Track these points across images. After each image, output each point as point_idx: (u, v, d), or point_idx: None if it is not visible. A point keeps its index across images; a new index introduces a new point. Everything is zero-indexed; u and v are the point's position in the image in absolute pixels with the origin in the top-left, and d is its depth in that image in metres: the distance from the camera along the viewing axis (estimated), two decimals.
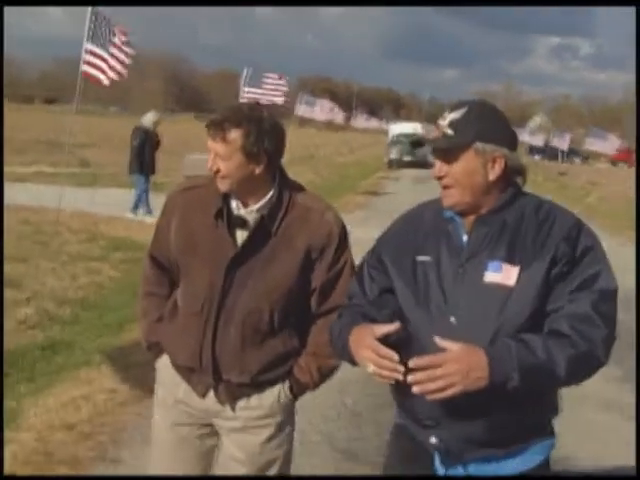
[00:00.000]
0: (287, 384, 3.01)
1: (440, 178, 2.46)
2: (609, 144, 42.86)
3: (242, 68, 22.56)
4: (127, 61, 11.51)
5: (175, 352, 2.99)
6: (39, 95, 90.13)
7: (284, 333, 2.96)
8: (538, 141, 56.35)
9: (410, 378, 2.22)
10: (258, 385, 2.96)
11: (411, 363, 2.22)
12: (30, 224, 11.45)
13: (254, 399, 2.97)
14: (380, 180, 30.39)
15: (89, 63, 11.45)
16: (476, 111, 2.43)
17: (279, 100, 23.48)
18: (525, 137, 51.27)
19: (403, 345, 2.36)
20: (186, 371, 2.97)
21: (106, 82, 11.27)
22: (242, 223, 2.88)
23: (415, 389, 2.23)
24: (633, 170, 38.74)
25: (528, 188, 2.58)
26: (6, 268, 8.14)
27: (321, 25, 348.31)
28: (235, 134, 2.76)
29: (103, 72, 11.22)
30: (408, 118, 77.22)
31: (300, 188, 3.00)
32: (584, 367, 2.35)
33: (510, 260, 2.38)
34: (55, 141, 29.85)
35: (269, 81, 23.58)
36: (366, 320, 2.48)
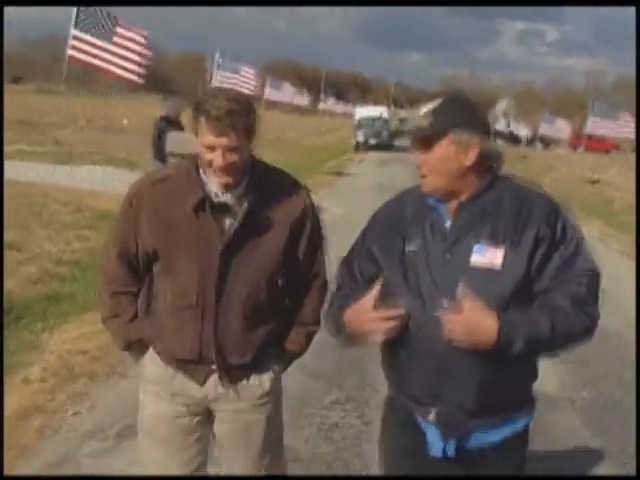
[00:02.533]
0: (279, 357, 3.12)
1: (419, 167, 2.58)
2: (560, 129, 44.55)
3: (209, 52, 23.09)
4: (144, 62, 12.56)
5: (170, 347, 2.99)
6: (6, 75, 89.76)
7: (279, 309, 3.06)
8: (501, 126, 57.61)
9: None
10: (258, 364, 3.03)
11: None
12: (24, 196, 12.34)
13: (253, 378, 3.05)
14: (345, 162, 31.34)
15: (76, 48, 12.41)
16: (450, 101, 2.55)
17: (247, 91, 24.47)
18: (489, 121, 52.39)
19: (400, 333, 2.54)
20: (182, 363, 2.99)
21: (122, 73, 12.26)
22: (226, 209, 2.87)
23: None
24: (587, 154, 40.25)
25: None
26: (8, 234, 9.16)
27: (290, 10, 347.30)
28: (241, 121, 2.76)
29: (95, 57, 12.21)
30: (375, 102, 77.89)
31: (272, 167, 3.04)
32: (579, 340, 2.56)
33: (494, 243, 2.51)
34: (27, 120, 30.53)
35: (243, 71, 24.51)
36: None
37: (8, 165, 16.39)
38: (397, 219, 2.69)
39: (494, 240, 2.51)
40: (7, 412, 4.89)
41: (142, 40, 13.94)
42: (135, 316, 3.04)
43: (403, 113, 41.50)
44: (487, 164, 2.59)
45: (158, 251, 2.92)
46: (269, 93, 37.83)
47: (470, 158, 2.53)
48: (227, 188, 2.86)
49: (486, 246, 2.51)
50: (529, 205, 2.55)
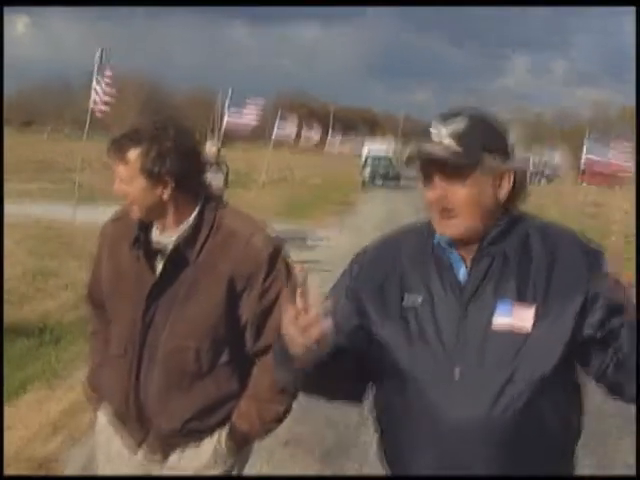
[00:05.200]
0: (226, 432, 2.70)
1: (438, 203, 2.03)
2: (559, 165, 45.32)
3: (218, 89, 23.82)
4: (110, 99, 13.79)
5: (107, 400, 2.80)
6: (15, 118, 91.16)
7: (218, 374, 2.66)
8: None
9: None
10: (192, 434, 2.69)
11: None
12: (52, 229, 13.37)
13: (190, 449, 2.70)
14: (352, 199, 32.10)
15: (96, 102, 13.66)
16: (478, 120, 2.06)
17: (253, 122, 25.37)
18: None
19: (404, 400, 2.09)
20: (119, 421, 2.76)
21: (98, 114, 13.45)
22: (162, 252, 2.63)
23: None
24: (590, 188, 40.85)
25: None
26: (41, 262, 10.15)
27: (297, 46, 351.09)
28: (133, 154, 2.50)
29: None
30: (384, 137, 78.71)
31: (231, 210, 2.71)
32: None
33: (521, 299, 2.02)
34: (46, 161, 31.63)
35: (251, 105, 25.44)
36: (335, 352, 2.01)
37: (34, 203, 17.49)
38: (391, 263, 2.18)
39: (522, 296, 2.02)
40: (60, 407, 5.69)
41: (109, 74, 15.22)
42: (101, 362, 2.84)
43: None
44: (518, 198, 2.11)
45: (107, 292, 2.76)
46: (278, 132, 38.65)
47: (504, 189, 2.05)
48: (164, 229, 2.63)
49: (513, 303, 2.01)
50: (563, 251, 2.07)
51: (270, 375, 2.52)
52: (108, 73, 14.77)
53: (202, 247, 2.60)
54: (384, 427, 2.21)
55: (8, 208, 15.37)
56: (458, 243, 2.08)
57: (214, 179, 14.03)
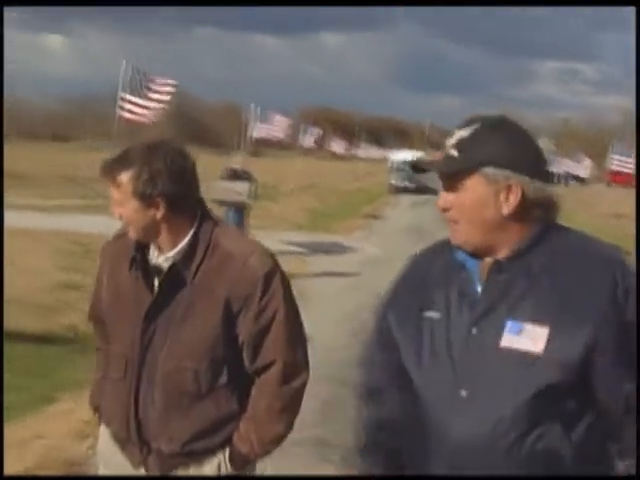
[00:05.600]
0: (227, 454, 2.69)
1: (445, 210, 2.03)
2: (581, 166, 45.73)
3: (244, 100, 24.23)
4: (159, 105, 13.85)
5: (106, 421, 2.80)
6: (45, 133, 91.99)
7: (217, 395, 2.65)
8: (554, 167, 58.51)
9: None
10: (192, 455, 2.67)
11: None
12: (79, 244, 13.50)
13: (191, 471, 2.69)
14: (380, 206, 32.29)
15: (124, 109, 13.68)
16: (489, 129, 2.00)
17: (280, 135, 25.73)
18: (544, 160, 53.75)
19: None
20: (118, 442, 2.75)
21: (146, 121, 13.58)
22: (159, 272, 2.63)
23: None
24: (618, 190, 40.75)
25: None
26: (66, 276, 10.29)
27: (324, 54, 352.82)
28: (125, 177, 2.52)
29: (140, 115, 13.51)
30: (411, 146, 78.97)
31: (227, 230, 2.74)
32: None
33: (536, 319, 1.92)
34: (78, 176, 32.06)
35: (276, 119, 25.79)
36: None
37: (64, 217, 17.74)
38: (421, 280, 2.14)
39: (537, 315, 1.92)
40: (86, 416, 5.72)
41: (171, 89, 15.30)
42: (104, 377, 2.83)
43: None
44: (537, 213, 2.00)
45: (107, 312, 2.76)
46: (306, 140, 38.83)
47: (510, 204, 1.96)
48: (161, 249, 2.64)
49: (524, 322, 1.93)
50: (591, 270, 1.94)
51: (268, 395, 2.64)
52: (153, 85, 14.88)
53: (198, 268, 2.60)
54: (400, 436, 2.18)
55: (37, 221, 15.70)
56: (476, 256, 2.04)
57: (240, 191, 14.14)
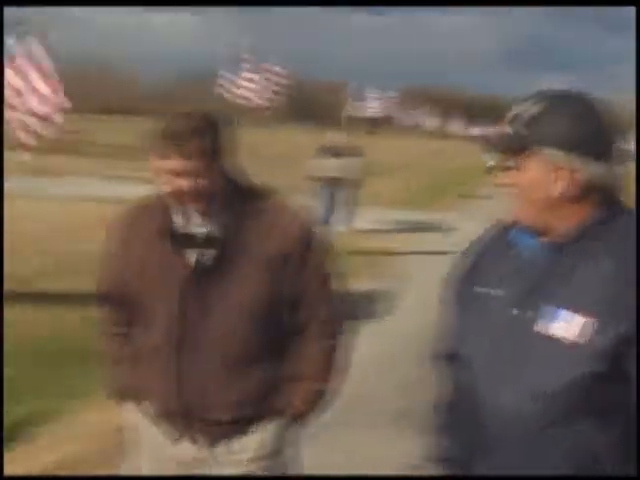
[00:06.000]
0: (278, 416, 2.72)
1: (504, 185, 2.01)
2: None
3: (346, 78, 24.15)
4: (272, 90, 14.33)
5: (145, 398, 2.74)
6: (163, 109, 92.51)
7: (265, 358, 2.66)
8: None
9: None
10: (243, 422, 2.68)
11: None
12: None
13: (238, 438, 2.69)
14: (477, 186, 32.01)
15: (224, 87, 14.19)
16: (556, 106, 1.93)
17: (379, 112, 25.70)
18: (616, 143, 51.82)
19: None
20: (161, 418, 2.72)
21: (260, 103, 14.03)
22: (191, 240, 2.59)
23: None
24: None
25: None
26: None
27: (428, 33, 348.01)
28: (206, 142, 2.48)
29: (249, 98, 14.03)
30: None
31: (251, 188, 2.70)
32: None
33: (577, 305, 1.86)
34: None
35: (372, 96, 25.80)
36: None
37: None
38: (478, 254, 2.17)
39: (578, 301, 1.86)
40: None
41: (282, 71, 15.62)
42: (131, 360, 2.77)
43: None
44: (597, 195, 1.94)
45: (131, 286, 2.69)
46: (404, 118, 38.73)
47: (558, 187, 1.92)
48: (192, 216, 2.60)
49: (563, 308, 1.88)
50: (632, 264, 1.85)
51: (311, 351, 2.68)
52: (275, 68, 15.34)
53: (237, 230, 2.60)
54: (439, 416, 2.20)
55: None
56: (534, 234, 2.01)
57: (348, 166, 14.33)
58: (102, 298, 2.83)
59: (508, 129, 1.95)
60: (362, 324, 3.33)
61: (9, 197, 9.16)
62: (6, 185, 9.14)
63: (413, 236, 15.42)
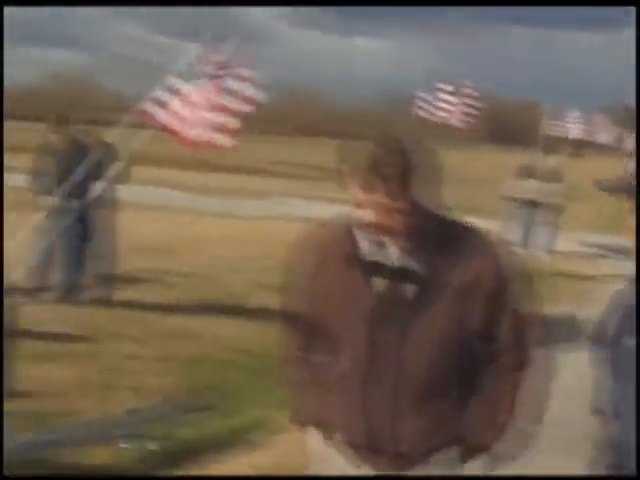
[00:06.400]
0: (457, 449, 2.67)
1: None
2: None
3: (541, 98, 23.39)
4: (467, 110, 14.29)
5: (329, 426, 2.71)
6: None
7: (459, 388, 2.63)
8: None
9: None
10: (430, 453, 2.64)
11: None
12: None
13: (419, 470, 2.64)
14: None
15: (423, 109, 14.25)
16: None
17: (578, 135, 25.02)
18: None
19: None
20: (343, 446, 2.69)
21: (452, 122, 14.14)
22: (378, 268, 2.54)
23: None
24: None
25: None
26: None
27: (628, 49, 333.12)
28: (394, 170, 2.39)
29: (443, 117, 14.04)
30: None
31: (455, 224, 2.64)
32: None
33: None
34: None
35: (572, 115, 25.16)
36: None
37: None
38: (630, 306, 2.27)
39: None
40: None
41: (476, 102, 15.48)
42: (318, 386, 2.72)
43: None
44: None
45: (320, 311, 2.66)
46: (606, 139, 37.35)
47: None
48: (380, 244, 2.53)
49: None
50: None
51: (501, 385, 2.62)
52: (470, 90, 15.38)
53: (436, 267, 2.53)
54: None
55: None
56: None
57: (548, 191, 14.04)
58: (287, 319, 2.82)
59: None
60: (562, 349, 3.31)
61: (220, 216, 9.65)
62: (220, 204, 9.65)
63: (611, 261, 14.91)
